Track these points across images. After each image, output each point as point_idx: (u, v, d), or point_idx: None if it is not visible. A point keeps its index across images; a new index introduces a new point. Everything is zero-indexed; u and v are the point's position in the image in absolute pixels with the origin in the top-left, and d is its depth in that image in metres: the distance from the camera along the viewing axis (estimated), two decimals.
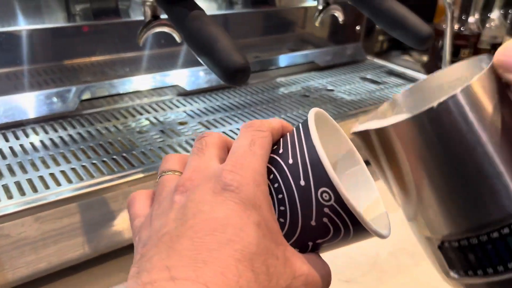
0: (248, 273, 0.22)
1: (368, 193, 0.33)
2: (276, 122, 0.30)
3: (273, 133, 0.29)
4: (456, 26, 0.94)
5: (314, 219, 0.26)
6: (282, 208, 0.27)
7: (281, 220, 0.27)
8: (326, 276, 0.27)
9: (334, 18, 0.74)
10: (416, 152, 0.23)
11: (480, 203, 0.22)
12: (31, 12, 0.65)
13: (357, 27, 0.99)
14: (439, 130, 0.22)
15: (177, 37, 0.55)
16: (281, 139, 0.29)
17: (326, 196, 0.26)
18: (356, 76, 0.91)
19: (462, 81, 0.25)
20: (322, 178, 0.26)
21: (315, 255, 0.28)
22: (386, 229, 0.29)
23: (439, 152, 0.23)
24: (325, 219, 0.26)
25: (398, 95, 0.30)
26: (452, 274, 0.25)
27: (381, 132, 0.24)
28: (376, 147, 0.25)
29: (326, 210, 0.26)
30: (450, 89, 0.23)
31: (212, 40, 0.42)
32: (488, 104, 0.23)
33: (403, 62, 1.08)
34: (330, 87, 0.83)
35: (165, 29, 0.54)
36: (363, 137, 0.26)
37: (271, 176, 0.27)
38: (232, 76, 0.41)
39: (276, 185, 0.27)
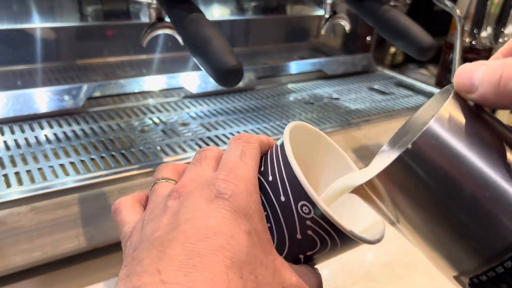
0: (237, 280, 0.22)
1: None
2: (263, 137, 0.31)
3: (261, 145, 0.30)
4: (468, 40, 0.94)
5: (299, 233, 0.27)
6: (268, 225, 0.27)
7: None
8: (316, 287, 0.27)
9: (344, 27, 0.75)
10: (409, 193, 0.22)
11: (491, 229, 0.21)
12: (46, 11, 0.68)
13: (368, 38, 0.99)
14: (423, 167, 0.22)
15: (179, 39, 0.56)
16: (263, 157, 0.30)
17: (306, 209, 0.26)
18: (364, 86, 0.91)
19: None
20: (300, 192, 0.26)
21: (306, 266, 0.28)
22: (377, 235, 0.29)
23: (433, 188, 0.22)
24: (309, 232, 0.27)
25: (386, 144, 0.29)
26: None
27: (370, 183, 0.23)
28: (373, 198, 0.25)
29: (308, 222, 0.26)
30: None
31: (207, 41, 0.43)
32: (462, 127, 0.22)
33: (419, 75, 1.07)
34: (335, 96, 0.84)
35: (168, 31, 0.55)
36: (359, 191, 0.25)
37: None
38: (224, 77, 0.42)
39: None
